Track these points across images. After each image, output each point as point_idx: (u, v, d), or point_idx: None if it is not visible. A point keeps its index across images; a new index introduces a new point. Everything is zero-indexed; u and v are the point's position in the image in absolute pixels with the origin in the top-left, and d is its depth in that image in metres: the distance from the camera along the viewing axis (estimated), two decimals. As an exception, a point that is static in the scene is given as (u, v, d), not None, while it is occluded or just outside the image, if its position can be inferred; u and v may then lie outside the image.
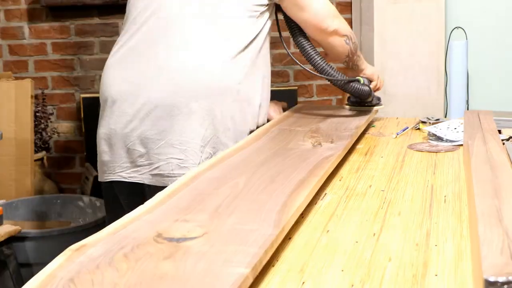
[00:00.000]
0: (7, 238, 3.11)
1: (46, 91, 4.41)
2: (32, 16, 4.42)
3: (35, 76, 4.40)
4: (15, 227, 3.19)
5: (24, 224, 3.35)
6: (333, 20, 2.19)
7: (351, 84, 2.28)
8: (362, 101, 2.41)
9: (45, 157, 4.24)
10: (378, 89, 2.48)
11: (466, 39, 3.79)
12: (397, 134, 2.22)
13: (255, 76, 2.12)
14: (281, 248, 1.21)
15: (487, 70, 3.93)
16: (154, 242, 1.11)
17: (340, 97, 4.31)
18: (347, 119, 2.25)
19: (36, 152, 4.10)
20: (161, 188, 1.81)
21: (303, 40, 2.25)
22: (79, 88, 4.37)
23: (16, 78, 4.20)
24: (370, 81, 2.40)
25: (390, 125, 2.42)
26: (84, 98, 4.18)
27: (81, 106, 4.18)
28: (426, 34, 3.75)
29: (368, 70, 2.41)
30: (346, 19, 4.07)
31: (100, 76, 2.18)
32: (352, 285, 1.05)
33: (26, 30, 4.47)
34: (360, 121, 2.21)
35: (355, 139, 2.04)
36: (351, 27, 4.25)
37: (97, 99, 2.15)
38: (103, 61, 2.16)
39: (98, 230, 1.18)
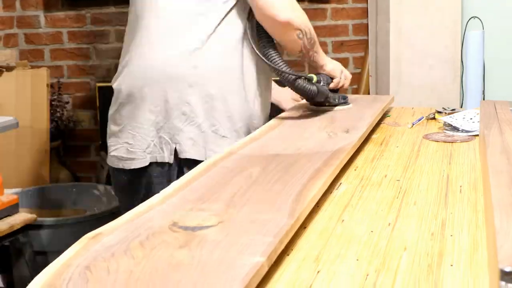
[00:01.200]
0: (23, 226, 3.13)
1: (62, 80, 4.43)
2: (48, 5, 4.43)
3: (51, 65, 4.41)
4: (30, 215, 3.21)
5: (39, 212, 3.37)
6: (285, 10, 2.00)
7: (297, 81, 2.09)
8: (324, 100, 2.24)
9: (60, 146, 4.25)
10: (342, 87, 2.31)
11: (483, 29, 3.77)
12: (413, 124, 2.21)
13: (228, 66, 2.04)
14: (296, 237, 1.21)
15: (504, 60, 3.91)
16: (169, 230, 1.12)
17: (355, 86, 4.30)
18: (362, 109, 2.24)
19: (51, 140, 4.11)
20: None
21: (261, 29, 2.07)
22: (94, 77, 4.38)
23: (32, 67, 4.21)
24: (332, 78, 2.25)
25: (406, 115, 2.41)
26: (99, 87, 4.19)
27: (97, 95, 4.20)
28: (442, 24, 3.73)
29: (328, 66, 2.24)
30: (361, 9, 4.04)
31: (116, 65, 2.21)
32: (367, 274, 1.05)
33: (42, 19, 4.48)
34: (375, 111, 2.21)
35: (370, 129, 2.04)
36: (367, 17, 4.24)
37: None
38: (119, 50, 2.16)
39: (113, 218, 1.19)
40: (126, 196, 2.12)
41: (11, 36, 4.48)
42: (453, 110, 2.31)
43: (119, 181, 2.12)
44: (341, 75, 2.28)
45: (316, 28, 4.44)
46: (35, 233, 3.27)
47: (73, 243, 1.07)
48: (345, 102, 2.29)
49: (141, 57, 2.03)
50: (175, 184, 1.40)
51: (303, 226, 1.26)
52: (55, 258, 1.00)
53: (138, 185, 2.06)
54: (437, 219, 1.31)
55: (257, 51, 2.04)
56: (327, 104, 2.24)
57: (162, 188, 1.75)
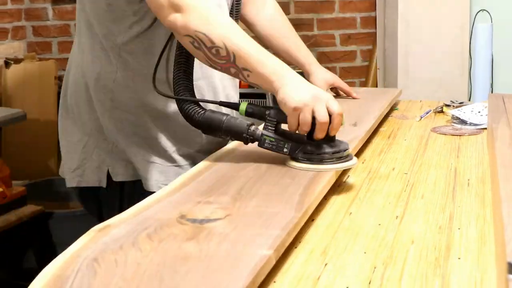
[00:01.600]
0: (31, 218, 3.14)
1: (69, 73, 4.43)
2: (56, -3, 4.44)
3: (59, 57, 4.42)
4: (38, 207, 3.22)
5: (47, 205, 3.38)
6: (166, 10, 1.51)
7: (186, 104, 1.55)
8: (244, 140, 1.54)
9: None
10: (302, 132, 1.46)
11: (491, 22, 3.76)
12: (421, 117, 2.21)
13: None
14: (303, 230, 1.21)
15: (512, 53, 3.90)
16: (177, 223, 1.12)
17: (363, 79, 4.30)
18: (370, 102, 2.24)
19: (59, 133, 4.12)
20: None
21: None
22: (102, 69, 4.39)
23: (40, 59, 4.22)
24: (281, 116, 1.48)
25: (414, 108, 2.40)
26: (107, 80, 4.19)
27: (104, 88, 4.20)
28: (450, 17, 3.73)
29: (280, 93, 1.46)
30: (369, 1, 4.02)
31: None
32: (375, 267, 1.05)
33: (50, 12, 4.49)
34: (383, 104, 2.20)
35: (378, 122, 2.04)
36: (375, 10, 4.23)
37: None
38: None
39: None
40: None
41: (19, 29, 4.48)
42: (461, 103, 2.30)
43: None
44: (297, 113, 1.44)
45: (323, 20, 4.44)
46: (43, 225, 3.28)
47: (81, 235, 1.07)
48: (312, 158, 1.46)
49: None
50: (182, 177, 1.40)
51: (311, 219, 1.26)
52: (62, 250, 1.00)
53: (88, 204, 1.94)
54: (445, 213, 1.31)
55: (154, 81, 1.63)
56: (273, 150, 1.51)
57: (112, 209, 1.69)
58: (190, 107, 1.54)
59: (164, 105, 1.70)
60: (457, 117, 2.12)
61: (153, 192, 1.35)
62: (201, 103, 1.57)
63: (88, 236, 1.07)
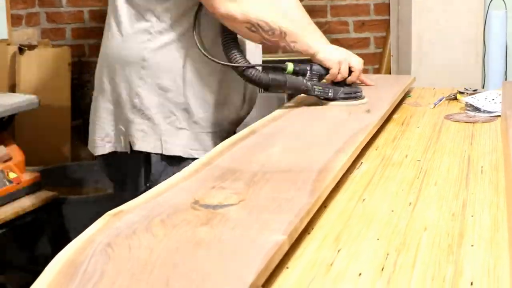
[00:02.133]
0: (45, 204, 3.15)
1: (83, 59, 4.44)
2: (70, -17, 4.44)
3: (72, 44, 4.42)
4: (52, 193, 3.23)
5: (61, 190, 3.39)
6: (224, 3, 1.83)
7: (246, 72, 1.89)
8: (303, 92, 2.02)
9: (82, 124, 4.27)
10: (340, 79, 2.03)
11: (505, 9, 3.74)
12: (434, 105, 2.20)
13: (176, 59, 1.96)
14: (316, 216, 1.21)
15: (527, 41, 3.88)
16: (191, 209, 1.12)
17: (376, 66, 4.29)
18: (384, 89, 2.24)
19: (73, 119, 4.13)
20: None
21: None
22: (115, 56, 4.39)
23: (54, 46, 4.22)
24: (327, 69, 1.99)
25: (427, 95, 2.40)
26: (120, 66, 4.19)
27: (118, 74, 4.20)
28: (464, 4, 3.71)
29: (320, 54, 1.98)
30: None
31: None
32: (388, 254, 1.05)
33: (64, -2, 4.49)
34: (397, 91, 2.20)
35: (391, 109, 2.04)
36: (389, -4, 4.21)
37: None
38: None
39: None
40: (113, 182, 2.17)
41: (33, 15, 4.49)
42: (475, 91, 2.30)
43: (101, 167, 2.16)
44: (339, 66, 2.00)
45: (337, 8, 4.43)
46: (57, 211, 3.29)
47: (94, 220, 1.08)
48: (348, 97, 2.02)
49: (103, 44, 2.06)
50: (196, 163, 1.40)
51: (324, 205, 1.27)
52: (76, 236, 1.01)
53: (114, 171, 2.09)
54: (458, 200, 1.30)
55: (198, 46, 1.89)
56: (322, 98, 2.00)
57: (136, 176, 1.88)
58: (253, 72, 1.88)
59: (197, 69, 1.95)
60: (470, 104, 2.11)
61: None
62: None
63: (102, 221, 1.07)
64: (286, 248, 1.01)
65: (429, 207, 1.26)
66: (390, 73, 4.11)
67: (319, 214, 1.23)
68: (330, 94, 1.99)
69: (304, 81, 1.94)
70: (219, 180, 1.28)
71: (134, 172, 1.96)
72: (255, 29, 1.86)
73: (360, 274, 0.99)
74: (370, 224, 1.19)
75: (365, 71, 2.21)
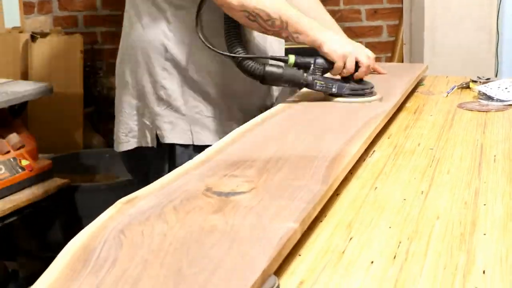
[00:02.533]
0: (57, 191, 3.16)
1: (95, 47, 4.44)
2: (82, -29, 4.44)
3: (85, 32, 4.43)
4: (64, 180, 3.24)
5: (73, 178, 3.40)
6: None
7: (243, 63, 1.84)
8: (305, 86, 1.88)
9: (94, 112, 4.28)
10: (346, 74, 1.88)
11: (519, -3, 3.72)
12: (447, 93, 2.20)
13: (193, 49, 1.93)
14: (329, 204, 1.21)
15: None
16: (203, 196, 1.12)
17: (389, 54, 4.27)
18: (396, 77, 2.23)
19: (85, 107, 4.14)
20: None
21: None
22: (128, 43, 4.39)
23: (66, 34, 4.23)
24: (332, 62, 1.84)
25: (440, 84, 2.39)
26: (132, 54, 4.20)
27: (130, 62, 4.21)
28: (478, -9, 3.69)
29: (324, 47, 1.83)
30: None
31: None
32: (400, 242, 1.05)
33: (76, -15, 4.49)
34: (409, 79, 2.19)
35: (404, 97, 2.03)
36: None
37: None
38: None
39: (146, 184, 1.20)
40: (134, 176, 2.17)
41: (45, 3, 4.50)
42: (488, 79, 2.29)
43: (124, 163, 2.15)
44: (343, 59, 1.84)
45: (350, -5, 4.39)
46: (69, 198, 3.31)
47: (106, 208, 1.08)
48: (355, 93, 1.89)
49: (123, 38, 2.04)
50: (208, 151, 1.41)
51: (336, 193, 1.27)
52: (88, 223, 1.01)
53: (136, 166, 2.08)
54: (471, 188, 1.30)
55: (200, 36, 1.84)
56: (329, 94, 1.89)
57: (160, 170, 1.85)
58: (249, 63, 1.81)
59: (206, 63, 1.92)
60: (483, 93, 2.10)
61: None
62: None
63: (115, 208, 1.08)
64: (298, 235, 1.01)
65: (441, 196, 1.26)
66: (402, 62, 4.10)
67: (332, 202, 1.23)
68: (334, 89, 1.86)
69: (305, 75, 1.83)
70: (231, 168, 1.28)
71: (158, 166, 1.95)
72: (253, 18, 1.78)
73: (372, 262, 0.99)
74: (382, 212, 1.19)
75: (377, 59, 2.18)
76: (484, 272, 0.95)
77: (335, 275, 0.95)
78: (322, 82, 1.85)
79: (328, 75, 1.90)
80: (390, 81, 2.16)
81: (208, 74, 1.93)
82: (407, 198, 1.25)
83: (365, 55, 1.88)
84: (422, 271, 0.95)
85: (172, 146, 1.93)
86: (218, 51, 1.83)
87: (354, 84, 1.88)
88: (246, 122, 1.78)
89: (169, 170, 1.78)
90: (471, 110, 1.97)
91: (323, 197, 1.15)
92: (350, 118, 1.69)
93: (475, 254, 1.00)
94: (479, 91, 2.13)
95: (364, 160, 1.50)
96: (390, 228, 1.11)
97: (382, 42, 4.39)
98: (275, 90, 2.09)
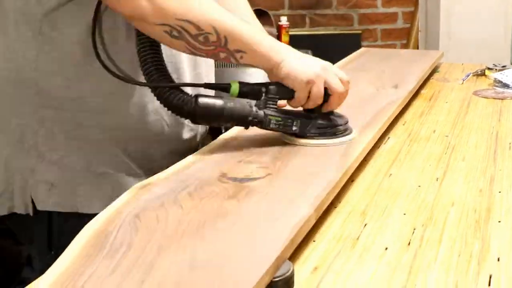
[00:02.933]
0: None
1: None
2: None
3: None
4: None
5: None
6: None
7: (165, 92, 1.27)
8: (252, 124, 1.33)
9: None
10: (311, 107, 1.35)
11: (536, -16, 3.70)
12: (463, 80, 2.19)
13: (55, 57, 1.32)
14: (343, 190, 1.21)
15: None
16: (218, 181, 1.13)
17: (404, 41, 4.26)
18: (411, 64, 2.23)
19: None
20: None
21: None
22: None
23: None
24: (291, 90, 1.32)
25: (455, 71, 2.38)
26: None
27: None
28: (494, -22, 3.67)
29: (283, 68, 1.30)
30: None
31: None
32: (414, 229, 1.05)
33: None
34: (425, 66, 2.19)
35: (419, 84, 2.02)
36: (418, -30, 4.18)
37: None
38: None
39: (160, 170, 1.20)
40: None
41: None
42: (504, 67, 2.28)
43: None
44: (308, 87, 1.32)
45: (365, -18, 4.38)
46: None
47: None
48: (324, 133, 1.37)
49: None
50: (222, 137, 1.41)
51: (351, 179, 1.27)
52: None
53: None
54: (486, 176, 1.30)
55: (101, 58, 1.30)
56: (289, 134, 1.37)
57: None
58: (174, 94, 1.28)
59: (109, 95, 1.35)
60: (499, 80, 2.10)
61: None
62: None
63: (130, 193, 1.08)
64: (312, 221, 1.01)
65: (456, 183, 1.26)
66: (418, 48, 4.09)
67: (346, 188, 1.23)
68: (294, 128, 1.35)
69: (254, 108, 1.31)
70: (246, 154, 1.28)
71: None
72: (177, 33, 1.24)
73: (386, 248, 0.99)
74: (396, 198, 1.19)
75: (393, 46, 2.16)
76: (498, 259, 0.95)
77: (349, 262, 0.95)
78: (279, 118, 1.34)
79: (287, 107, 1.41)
80: (405, 68, 2.15)
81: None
82: (421, 185, 1.25)
83: (336, 79, 1.35)
84: (437, 258, 0.95)
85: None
86: (128, 79, 1.33)
87: (322, 119, 1.38)
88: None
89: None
90: (487, 98, 1.96)
91: (337, 184, 1.15)
92: (365, 104, 1.68)
93: (489, 241, 1.00)
94: (495, 79, 2.12)
95: (379, 146, 1.50)
96: (404, 215, 1.11)
97: (398, 28, 4.37)
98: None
